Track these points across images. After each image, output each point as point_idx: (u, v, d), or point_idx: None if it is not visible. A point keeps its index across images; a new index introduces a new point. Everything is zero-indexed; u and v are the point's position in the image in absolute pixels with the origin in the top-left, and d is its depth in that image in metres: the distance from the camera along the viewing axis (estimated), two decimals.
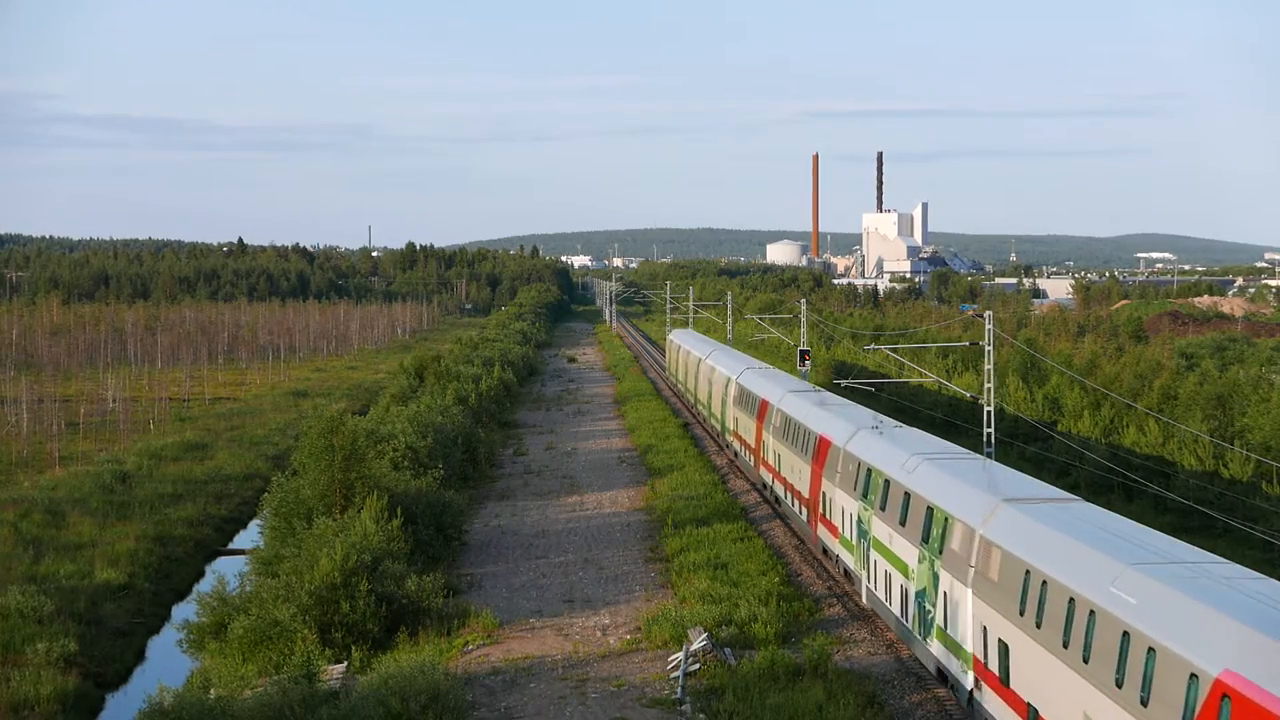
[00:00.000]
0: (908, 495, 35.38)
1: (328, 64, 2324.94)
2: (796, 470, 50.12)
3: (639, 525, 55.41)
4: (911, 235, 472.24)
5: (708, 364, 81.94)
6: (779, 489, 54.68)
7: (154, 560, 52.46)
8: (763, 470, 58.48)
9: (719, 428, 75.49)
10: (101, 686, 40.54)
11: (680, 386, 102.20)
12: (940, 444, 40.65)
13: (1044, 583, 25.92)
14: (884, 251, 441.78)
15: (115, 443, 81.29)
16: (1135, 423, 62.40)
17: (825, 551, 45.91)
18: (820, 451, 45.92)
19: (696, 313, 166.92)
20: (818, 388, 59.16)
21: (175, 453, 76.21)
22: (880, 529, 37.56)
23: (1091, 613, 23.63)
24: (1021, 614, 26.71)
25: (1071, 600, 24.46)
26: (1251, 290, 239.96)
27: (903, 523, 35.29)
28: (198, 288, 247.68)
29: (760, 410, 59.18)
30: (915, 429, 45.56)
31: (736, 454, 67.18)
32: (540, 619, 40.79)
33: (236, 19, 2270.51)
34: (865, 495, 39.46)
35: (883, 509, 37.15)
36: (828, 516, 44.76)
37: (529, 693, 33.40)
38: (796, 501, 50.56)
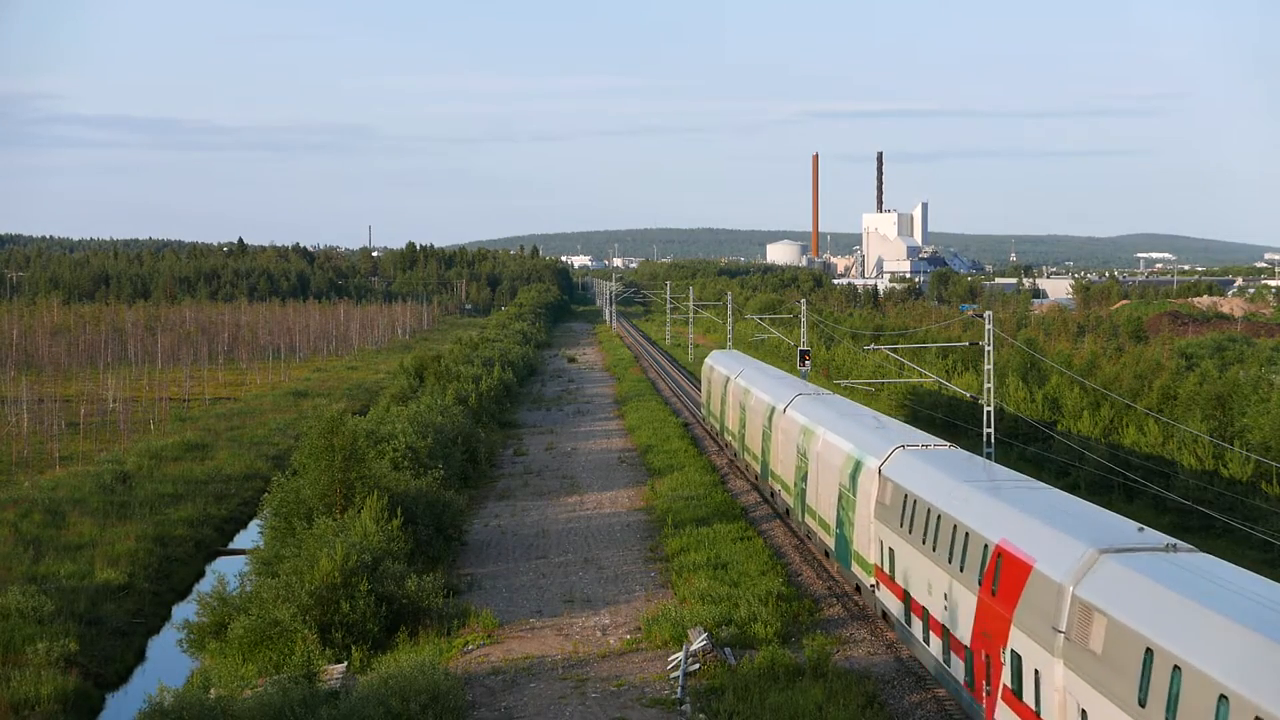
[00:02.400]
0: None
1: (328, 64, 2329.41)
2: None
3: (639, 525, 55.40)
4: (911, 235, 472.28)
5: (793, 419, 50.04)
6: None
7: (154, 560, 52.48)
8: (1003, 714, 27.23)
9: (827, 538, 43.73)
10: (101, 686, 40.55)
11: (729, 439, 68.71)
12: None
13: None
14: (884, 251, 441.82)
15: (115, 443, 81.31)
16: (1135, 423, 62.41)
17: None
18: None
19: (697, 312, 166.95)
20: (1142, 527, 26.71)
21: (175, 453, 76.21)
22: None
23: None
24: None
25: None
26: (1251, 290, 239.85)
27: None
28: (198, 288, 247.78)
29: (1002, 572, 27.66)
30: None
31: (886, 614, 37.17)
32: (540, 619, 40.79)
33: (236, 19, 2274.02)
34: None
35: None
36: None
37: (529, 693, 33.40)
38: None
